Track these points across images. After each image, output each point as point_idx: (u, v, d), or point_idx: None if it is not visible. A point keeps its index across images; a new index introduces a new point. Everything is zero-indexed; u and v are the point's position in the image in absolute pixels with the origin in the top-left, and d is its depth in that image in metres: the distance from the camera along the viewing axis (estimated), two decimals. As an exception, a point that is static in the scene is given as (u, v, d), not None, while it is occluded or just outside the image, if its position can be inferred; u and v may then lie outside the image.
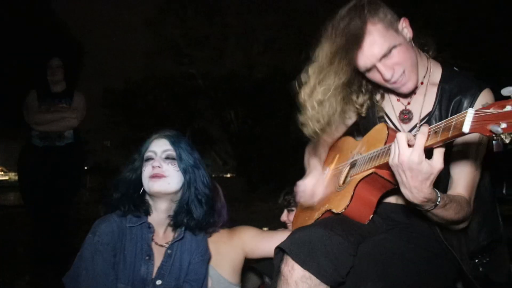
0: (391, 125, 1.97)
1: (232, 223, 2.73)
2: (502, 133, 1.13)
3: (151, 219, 2.13)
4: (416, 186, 1.45)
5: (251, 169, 19.40)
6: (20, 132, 4.66)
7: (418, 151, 1.39)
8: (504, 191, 1.94)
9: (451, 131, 1.32)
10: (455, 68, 1.93)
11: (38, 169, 4.26)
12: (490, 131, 1.15)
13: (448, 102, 1.83)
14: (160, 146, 2.15)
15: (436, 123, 1.80)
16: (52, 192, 4.24)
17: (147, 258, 2.05)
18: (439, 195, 1.52)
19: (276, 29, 19.30)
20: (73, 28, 15.31)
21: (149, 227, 2.09)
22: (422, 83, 1.92)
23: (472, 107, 1.72)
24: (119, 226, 2.03)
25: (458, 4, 11.74)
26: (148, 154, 2.13)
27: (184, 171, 2.14)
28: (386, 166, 1.65)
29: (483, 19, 11.27)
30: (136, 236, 2.07)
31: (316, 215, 1.99)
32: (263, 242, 2.53)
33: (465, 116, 1.25)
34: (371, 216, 1.82)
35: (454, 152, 1.77)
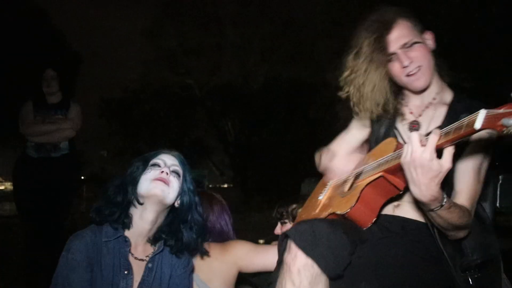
0: (399, 136, 2.04)
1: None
2: None
3: (130, 232, 2.09)
4: (425, 183, 1.52)
5: (248, 179, 19.40)
6: (17, 142, 4.65)
7: (430, 149, 1.48)
8: (497, 204, 1.98)
9: (463, 129, 1.40)
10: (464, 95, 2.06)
11: (33, 180, 4.24)
12: (502, 124, 1.23)
13: (456, 117, 1.88)
14: (169, 160, 2.17)
15: None
16: (46, 203, 4.22)
17: (125, 272, 2.01)
18: (445, 196, 1.60)
19: (273, 40, 19.40)
20: (70, 38, 15.35)
21: (126, 240, 2.05)
22: (434, 99, 2.02)
23: None
24: (93, 242, 1.99)
25: (453, 15, 11.84)
26: (157, 161, 2.14)
27: (184, 192, 2.15)
28: (395, 169, 1.72)
29: (479, 30, 11.36)
30: (113, 250, 2.02)
31: None
32: (258, 257, 2.50)
33: (477, 115, 1.34)
34: (373, 220, 1.84)
35: (459, 164, 1.82)
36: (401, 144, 1.88)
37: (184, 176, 2.17)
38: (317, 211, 2.13)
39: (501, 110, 1.26)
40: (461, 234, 1.80)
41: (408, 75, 1.93)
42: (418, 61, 1.91)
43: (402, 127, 2.08)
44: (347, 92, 2.11)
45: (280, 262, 1.75)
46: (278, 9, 19.28)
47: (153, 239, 2.13)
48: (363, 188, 1.82)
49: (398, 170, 1.73)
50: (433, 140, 1.48)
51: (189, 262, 2.22)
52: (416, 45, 1.91)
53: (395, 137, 2.06)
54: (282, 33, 19.18)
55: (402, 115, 2.10)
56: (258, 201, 15.58)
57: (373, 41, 1.96)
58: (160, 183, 2.05)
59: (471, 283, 1.83)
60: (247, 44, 20.19)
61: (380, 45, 1.94)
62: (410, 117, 2.07)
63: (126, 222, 2.07)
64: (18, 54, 11.61)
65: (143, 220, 2.09)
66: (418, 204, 1.69)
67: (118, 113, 20.72)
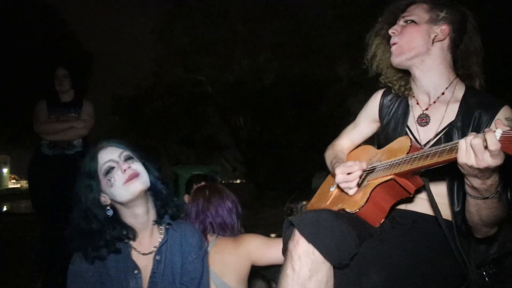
0: (409, 133, 2.01)
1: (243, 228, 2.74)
2: None
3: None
4: (486, 175, 1.46)
5: (260, 175, 19.41)
6: (32, 141, 4.72)
7: (500, 155, 1.37)
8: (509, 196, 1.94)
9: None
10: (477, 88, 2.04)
11: (48, 177, 4.29)
12: None
13: (470, 115, 1.87)
14: (112, 153, 2.02)
15: (457, 132, 1.85)
16: (62, 199, 4.27)
17: (135, 272, 1.99)
18: (498, 183, 1.53)
19: (283, 35, 19.34)
20: (82, 36, 15.48)
21: (125, 242, 2.01)
22: (443, 93, 1.99)
23: (494, 118, 1.78)
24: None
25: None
26: (106, 166, 1.98)
27: (143, 165, 2.05)
28: (406, 174, 1.70)
29: (488, 26, 11.22)
30: (116, 255, 1.99)
31: None
32: (270, 250, 2.52)
33: (494, 131, 1.30)
34: (382, 221, 1.85)
35: None
36: (415, 147, 1.87)
37: (133, 152, 2.06)
38: (328, 203, 2.13)
39: None
40: (494, 230, 1.76)
41: (391, 46, 2.03)
42: (399, 39, 1.99)
43: (411, 121, 2.05)
44: (373, 71, 2.18)
45: (285, 250, 1.76)
46: (288, 4, 19.22)
47: (157, 222, 2.10)
48: (374, 189, 1.82)
49: (410, 175, 1.73)
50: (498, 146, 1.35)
51: (201, 247, 2.19)
52: (412, 23, 1.98)
53: (406, 133, 2.03)
54: (292, 28, 19.11)
55: (411, 106, 2.08)
56: (270, 196, 15.60)
57: (389, 16, 2.06)
58: (133, 180, 1.95)
59: (486, 279, 1.83)
60: (257, 40, 20.16)
61: (392, 18, 2.04)
62: (417, 110, 2.05)
63: (124, 233, 2.01)
64: (31, 54, 11.72)
65: (137, 217, 2.04)
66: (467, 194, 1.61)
67: (130, 110, 20.85)
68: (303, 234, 1.65)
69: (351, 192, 1.93)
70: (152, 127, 20.58)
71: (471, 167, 1.43)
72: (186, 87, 20.64)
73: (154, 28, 20.40)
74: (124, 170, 1.95)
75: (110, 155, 2.00)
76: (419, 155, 1.67)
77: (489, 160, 1.38)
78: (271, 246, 2.55)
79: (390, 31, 2.01)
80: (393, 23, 2.05)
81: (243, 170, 21.30)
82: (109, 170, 1.96)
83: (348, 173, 1.93)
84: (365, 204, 1.80)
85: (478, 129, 1.82)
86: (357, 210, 1.81)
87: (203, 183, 3.46)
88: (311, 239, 1.64)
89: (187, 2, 19.71)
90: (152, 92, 20.94)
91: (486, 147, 1.38)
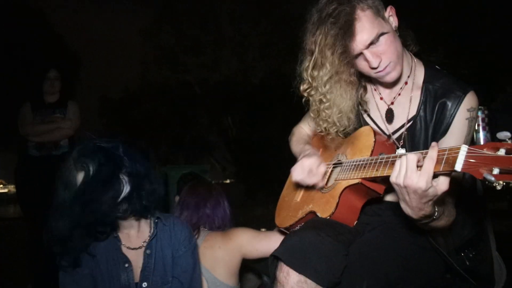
0: (373, 125, 1.97)
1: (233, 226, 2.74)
2: (495, 181, 1.14)
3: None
4: (418, 206, 1.44)
5: (250, 175, 19.39)
6: (18, 144, 4.70)
7: (426, 177, 1.35)
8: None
9: (442, 165, 1.31)
10: (437, 66, 1.94)
11: (35, 178, 4.27)
12: (484, 178, 1.15)
13: (433, 104, 1.81)
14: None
15: (421, 125, 1.84)
16: (50, 201, 4.25)
17: (126, 265, 2.01)
18: (436, 209, 1.52)
19: (271, 35, 19.36)
20: (69, 39, 15.35)
21: (115, 236, 2.05)
22: (406, 83, 1.91)
23: (457, 110, 1.75)
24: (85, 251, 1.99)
25: (450, 4, 11.82)
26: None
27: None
28: (373, 179, 1.67)
29: (476, 18, 11.33)
30: (107, 248, 2.02)
31: (300, 213, 2.00)
32: (261, 244, 2.53)
33: (458, 152, 1.25)
34: (355, 222, 1.85)
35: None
36: (379, 139, 1.82)
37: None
38: (298, 199, 2.12)
39: (484, 151, 1.19)
40: (446, 229, 1.76)
41: (378, 72, 1.77)
42: (387, 57, 1.73)
43: (377, 117, 1.98)
44: (308, 104, 1.96)
45: (273, 280, 1.73)
46: (275, 3, 19.22)
47: (144, 215, 2.10)
48: (342, 192, 1.79)
49: (377, 180, 1.70)
50: (430, 167, 1.34)
51: (190, 240, 2.20)
52: (382, 37, 1.71)
53: (367, 123, 1.97)
54: (279, 28, 19.13)
55: (372, 102, 1.99)
56: (261, 195, 15.60)
57: (334, 48, 1.73)
58: None
59: (467, 263, 1.85)
60: (245, 40, 20.16)
61: (343, 50, 1.72)
62: (382, 105, 1.97)
63: (109, 228, 2.02)
64: (17, 57, 11.60)
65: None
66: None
67: (118, 112, 20.74)
68: (291, 265, 1.63)
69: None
70: (141, 129, 20.49)
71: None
72: (174, 88, 20.58)
73: (141, 29, 20.31)
74: None
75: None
76: (384, 160, 1.64)
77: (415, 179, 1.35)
78: (262, 239, 2.55)
79: (375, 62, 1.72)
80: (343, 56, 1.74)
81: (232, 170, 21.28)
82: None
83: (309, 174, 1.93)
84: (335, 210, 1.79)
85: (441, 122, 1.78)
86: (329, 216, 1.80)
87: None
88: (302, 269, 1.62)
89: (175, 3, 19.64)
90: (140, 93, 20.86)
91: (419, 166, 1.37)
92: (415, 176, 1.36)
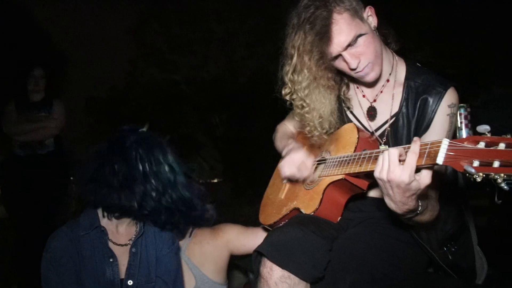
0: (356, 122, 1.99)
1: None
2: (475, 173, 1.16)
3: (106, 221, 2.11)
4: (401, 201, 1.46)
5: (238, 173, 19.37)
6: (2, 143, 4.66)
7: (409, 171, 1.37)
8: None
9: (424, 159, 1.34)
10: (418, 64, 1.97)
11: (21, 178, 4.26)
12: (464, 169, 1.18)
13: (415, 100, 1.85)
14: None
15: (404, 121, 1.86)
16: (36, 200, 4.23)
17: (111, 260, 2.04)
18: (420, 204, 1.55)
19: (259, 33, 19.33)
20: (56, 37, 15.19)
21: (102, 230, 2.07)
22: (388, 80, 1.93)
23: (438, 106, 1.77)
24: (71, 238, 2.01)
25: (437, 2, 11.91)
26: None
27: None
28: (357, 174, 1.70)
29: (462, 17, 11.43)
30: (92, 241, 2.04)
31: (284, 210, 2.02)
32: (248, 239, 2.54)
33: (439, 146, 1.28)
34: (339, 218, 1.86)
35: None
36: (362, 135, 1.85)
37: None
38: (282, 196, 2.14)
39: (464, 144, 1.22)
40: (429, 223, 1.79)
41: (357, 72, 1.80)
42: (366, 58, 1.76)
43: (360, 114, 2.01)
44: (292, 108, 1.99)
45: (257, 275, 1.75)
46: (263, 3, 19.20)
47: (136, 218, 2.16)
48: (325, 188, 1.82)
49: (361, 175, 1.73)
50: (412, 160, 1.37)
51: (173, 242, 2.24)
52: (360, 38, 1.73)
53: (350, 121, 1.99)
54: (268, 26, 19.11)
55: (354, 99, 2.01)
56: (249, 194, 15.58)
57: (311, 54, 1.76)
58: None
59: (450, 257, 1.88)
60: (233, 39, 20.11)
61: (320, 56, 1.75)
62: (365, 102, 1.99)
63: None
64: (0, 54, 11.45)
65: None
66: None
67: (105, 111, 20.58)
68: (274, 261, 1.65)
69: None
70: (129, 128, 20.31)
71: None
72: (162, 87, 20.47)
73: (129, 28, 20.16)
74: None
75: None
76: (367, 156, 1.66)
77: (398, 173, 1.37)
78: (249, 234, 2.57)
79: (354, 63, 1.75)
80: (321, 60, 1.78)
81: (220, 168, 21.23)
82: None
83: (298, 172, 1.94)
84: (319, 206, 1.81)
85: (423, 118, 1.81)
86: (313, 212, 1.82)
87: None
88: (284, 264, 1.64)
89: (163, 2, 19.53)
90: (128, 92, 20.71)
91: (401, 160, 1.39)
92: (398, 170, 1.38)
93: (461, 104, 2.64)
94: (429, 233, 1.84)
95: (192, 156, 20.77)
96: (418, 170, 1.40)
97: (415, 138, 1.42)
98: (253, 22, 19.57)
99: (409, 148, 1.40)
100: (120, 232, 2.14)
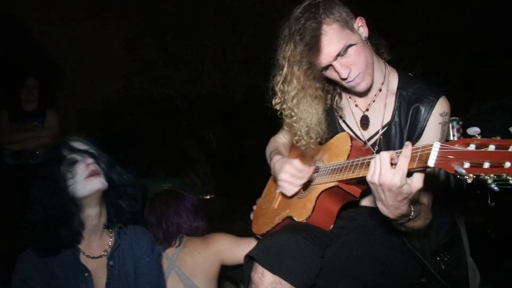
0: (349, 131, 2.00)
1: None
2: (466, 174, 1.18)
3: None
4: (394, 205, 1.46)
5: (230, 189, 19.32)
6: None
7: (400, 174, 1.39)
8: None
9: (416, 162, 1.35)
10: (410, 74, 1.99)
11: (11, 187, 4.21)
12: (455, 171, 1.19)
13: (407, 109, 1.87)
14: (78, 147, 2.02)
15: (396, 130, 1.87)
16: (24, 210, 4.18)
17: (85, 275, 1.93)
18: (412, 209, 1.55)
19: (253, 50, 19.46)
20: (51, 49, 15.20)
21: (73, 246, 1.97)
22: (380, 90, 1.95)
23: (430, 115, 1.79)
24: (41, 258, 1.91)
25: (429, 19, 12.10)
26: (70, 157, 1.97)
27: (108, 167, 2.05)
28: (350, 181, 1.69)
29: (453, 33, 11.62)
30: (62, 258, 1.94)
31: (277, 219, 2.01)
32: (239, 250, 2.52)
33: (430, 149, 1.29)
34: (332, 226, 1.86)
35: None
36: (356, 144, 1.86)
37: (98, 153, 2.05)
38: (275, 206, 2.14)
39: (455, 147, 1.24)
40: (422, 231, 1.80)
41: (348, 82, 1.81)
42: (356, 68, 1.77)
43: (352, 123, 2.02)
44: (282, 118, 2.01)
45: (248, 281, 1.74)
46: (258, 19, 19.38)
47: (108, 226, 2.07)
48: (318, 196, 1.82)
49: (353, 182, 1.73)
50: (404, 164, 1.38)
51: (153, 249, 2.16)
52: (351, 48, 1.75)
53: (343, 130, 2.00)
54: (263, 42, 19.25)
55: (347, 108, 2.01)
56: (242, 210, 15.52)
57: (300, 64, 1.78)
58: (93, 177, 1.95)
59: (443, 267, 1.88)
60: (228, 54, 20.24)
61: (309, 66, 1.77)
62: (357, 111, 2.00)
63: (76, 232, 1.96)
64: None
65: (88, 218, 2.00)
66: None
67: (99, 124, 20.53)
68: (266, 266, 1.64)
69: (289, 193, 1.93)
70: (122, 141, 20.30)
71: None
72: (156, 101, 20.49)
73: (124, 41, 20.24)
74: (87, 165, 1.96)
75: (77, 146, 2.02)
76: (360, 162, 1.67)
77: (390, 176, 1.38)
78: (241, 244, 2.55)
79: (345, 73, 1.76)
80: (312, 71, 1.80)
81: (213, 184, 21.15)
82: (73, 162, 1.96)
83: (295, 176, 1.93)
84: (312, 213, 1.81)
85: (415, 127, 1.83)
86: (305, 220, 1.82)
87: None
88: (276, 269, 1.63)
89: (158, 17, 19.65)
90: (122, 106, 20.70)
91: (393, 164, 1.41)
92: (390, 173, 1.39)
93: (453, 117, 2.66)
94: (422, 242, 1.84)
95: (185, 171, 20.71)
96: (410, 174, 1.41)
97: (407, 143, 1.43)
98: (248, 39, 19.72)
99: (400, 152, 1.42)
100: (93, 245, 2.03)
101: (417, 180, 1.40)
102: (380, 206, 1.52)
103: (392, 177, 1.38)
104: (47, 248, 1.92)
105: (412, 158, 1.37)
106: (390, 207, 1.47)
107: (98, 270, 2.00)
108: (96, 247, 2.04)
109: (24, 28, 13.37)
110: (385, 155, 1.43)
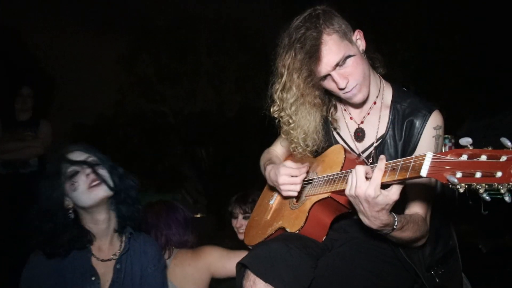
0: (342, 143, 2.01)
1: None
2: (458, 184, 1.20)
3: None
4: (373, 215, 1.50)
5: (221, 207, 19.24)
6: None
7: (374, 186, 1.44)
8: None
9: (409, 172, 1.37)
10: (404, 88, 2.02)
11: (1, 196, 4.18)
12: (447, 180, 1.21)
13: (401, 122, 1.89)
14: (77, 158, 2.03)
15: (390, 143, 1.89)
16: (15, 220, 4.14)
17: (92, 278, 1.95)
18: (396, 219, 1.58)
19: (247, 69, 19.61)
20: (45, 62, 15.24)
21: (86, 247, 2.00)
22: (375, 103, 1.97)
23: (424, 128, 1.82)
24: (50, 259, 1.93)
25: (421, 42, 12.30)
26: (71, 169, 1.99)
27: (110, 172, 2.06)
28: (342, 192, 1.70)
29: (445, 56, 11.82)
30: (74, 259, 1.96)
31: (269, 230, 2.01)
32: (230, 262, 2.51)
33: (423, 159, 1.31)
34: (324, 238, 1.86)
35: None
36: (349, 156, 1.88)
37: (100, 159, 2.07)
38: (268, 217, 2.13)
39: (448, 157, 1.25)
40: (420, 243, 1.81)
41: (346, 92, 1.83)
42: (354, 79, 1.79)
43: (346, 136, 2.04)
44: (280, 126, 2.02)
45: None
46: (253, 39, 19.57)
47: (117, 230, 2.10)
48: (311, 207, 1.82)
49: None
50: (378, 176, 1.45)
51: (159, 259, 2.18)
52: (349, 59, 1.78)
53: (337, 142, 2.02)
54: (256, 61, 19.40)
55: (342, 120, 2.04)
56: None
57: (300, 72, 1.80)
58: (95, 187, 1.97)
59: (437, 280, 1.88)
60: (222, 73, 20.37)
61: (309, 73, 1.79)
62: (352, 124, 2.02)
63: (88, 238, 2.00)
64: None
65: (98, 223, 2.04)
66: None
67: (91, 139, 20.46)
68: (258, 274, 1.64)
69: (294, 194, 1.95)
70: (113, 157, 20.19)
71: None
72: (149, 118, 20.50)
73: (118, 57, 20.31)
74: (88, 175, 1.98)
75: (76, 159, 2.01)
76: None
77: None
78: (231, 257, 2.54)
79: (343, 83, 1.78)
80: (310, 79, 1.81)
81: (204, 202, 21.06)
82: (74, 174, 1.98)
83: (293, 176, 1.94)
84: (304, 224, 1.81)
85: (409, 140, 1.86)
86: (298, 230, 1.82)
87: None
88: (268, 277, 1.63)
89: (153, 33, 19.79)
90: (114, 121, 20.68)
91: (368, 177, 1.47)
92: (364, 186, 1.46)
93: (446, 136, 2.69)
94: (418, 255, 1.85)
95: (175, 188, 20.62)
96: (388, 186, 1.46)
97: (381, 156, 1.50)
98: (242, 58, 19.88)
99: (375, 166, 1.48)
100: (104, 248, 2.06)
101: (395, 193, 1.45)
102: (362, 217, 1.56)
103: (366, 188, 1.45)
104: (53, 252, 1.94)
105: (405, 169, 1.39)
106: (370, 218, 1.52)
107: (106, 273, 2.01)
108: (106, 250, 2.06)
109: (20, 39, 13.42)
110: (360, 169, 1.50)
